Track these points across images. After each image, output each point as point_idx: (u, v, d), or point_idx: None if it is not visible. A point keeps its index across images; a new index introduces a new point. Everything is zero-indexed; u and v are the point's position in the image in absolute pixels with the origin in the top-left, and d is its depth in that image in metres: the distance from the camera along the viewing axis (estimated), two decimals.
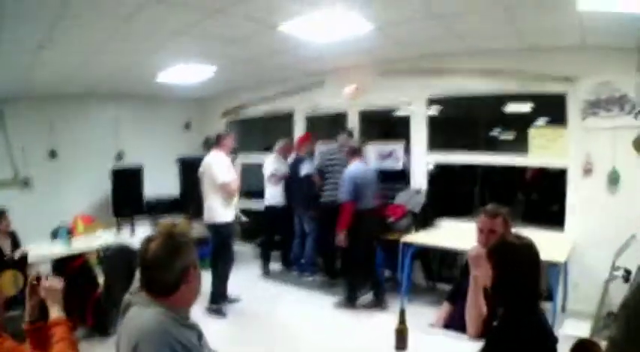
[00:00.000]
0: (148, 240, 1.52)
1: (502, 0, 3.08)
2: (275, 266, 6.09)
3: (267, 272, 5.93)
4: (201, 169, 4.68)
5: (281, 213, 5.87)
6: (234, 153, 4.80)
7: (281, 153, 6.00)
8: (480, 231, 2.44)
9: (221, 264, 4.62)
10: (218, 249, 4.65)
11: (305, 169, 5.62)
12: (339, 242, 4.48)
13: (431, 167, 5.45)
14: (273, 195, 5.85)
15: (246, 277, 5.68)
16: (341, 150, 5.21)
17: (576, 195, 4.33)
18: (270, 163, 5.94)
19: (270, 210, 5.92)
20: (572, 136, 4.31)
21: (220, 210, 4.55)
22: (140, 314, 1.44)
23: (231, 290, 4.81)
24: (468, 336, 2.15)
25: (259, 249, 6.24)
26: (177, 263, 1.48)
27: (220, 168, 4.48)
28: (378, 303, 4.62)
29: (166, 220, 6.37)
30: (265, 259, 6.00)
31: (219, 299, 4.61)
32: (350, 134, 5.53)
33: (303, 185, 5.57)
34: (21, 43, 3.75)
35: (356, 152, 4.67)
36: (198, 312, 4.32)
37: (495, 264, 1.73)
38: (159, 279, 1.47)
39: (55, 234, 5.36)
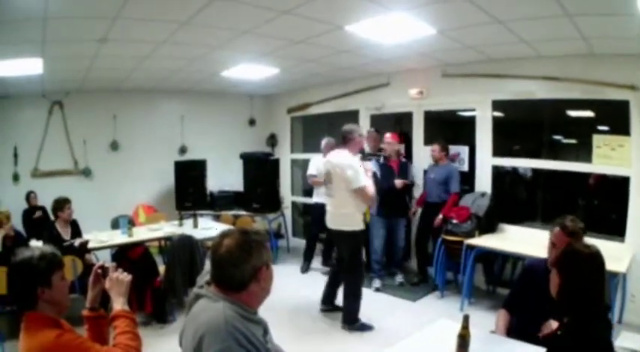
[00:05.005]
0: (223, 236, 1.52)
1: (564, 6, 3.00)
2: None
3: (306, 269, 6.03)
4: (324, 168, 4.35)
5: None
6: (362, 152, 4.45)
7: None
8: (553, 244, 2.33)
9: (354, 279, 4.13)
10: (350, 261, 4.12)
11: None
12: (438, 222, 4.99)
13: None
14: (319, 192, 5.59)
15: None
16: None
17: (638, 205, 4.18)
18: (314, 164, 5.92)
19: (318, 206, 5.65)
20: (634, 145, 4.17)
21: (356, 216, 4.07)
22: (208, 307, 1.46)
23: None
24: None
25: (306, 245, 6.25)
26: (250, 261, 1.48)
27: (355, 170, 3.99)
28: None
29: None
30: (307, 257, 6.09)
31: (353, 320, 4.14)
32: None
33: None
34: (82, 35, 3.69)
35: (448, 153, 5.29)
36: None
37: (562, 271, 1.71)
38: (230, 276, 1.48)
39: (115, 223, 5.59)
